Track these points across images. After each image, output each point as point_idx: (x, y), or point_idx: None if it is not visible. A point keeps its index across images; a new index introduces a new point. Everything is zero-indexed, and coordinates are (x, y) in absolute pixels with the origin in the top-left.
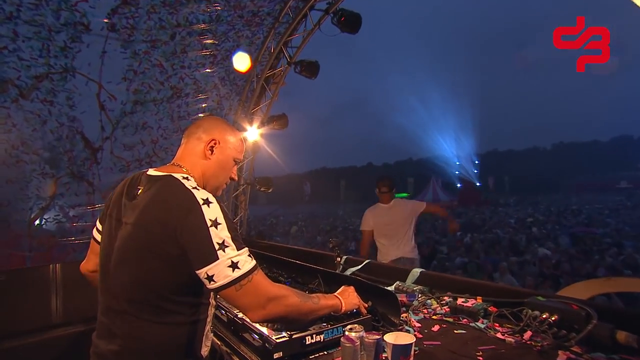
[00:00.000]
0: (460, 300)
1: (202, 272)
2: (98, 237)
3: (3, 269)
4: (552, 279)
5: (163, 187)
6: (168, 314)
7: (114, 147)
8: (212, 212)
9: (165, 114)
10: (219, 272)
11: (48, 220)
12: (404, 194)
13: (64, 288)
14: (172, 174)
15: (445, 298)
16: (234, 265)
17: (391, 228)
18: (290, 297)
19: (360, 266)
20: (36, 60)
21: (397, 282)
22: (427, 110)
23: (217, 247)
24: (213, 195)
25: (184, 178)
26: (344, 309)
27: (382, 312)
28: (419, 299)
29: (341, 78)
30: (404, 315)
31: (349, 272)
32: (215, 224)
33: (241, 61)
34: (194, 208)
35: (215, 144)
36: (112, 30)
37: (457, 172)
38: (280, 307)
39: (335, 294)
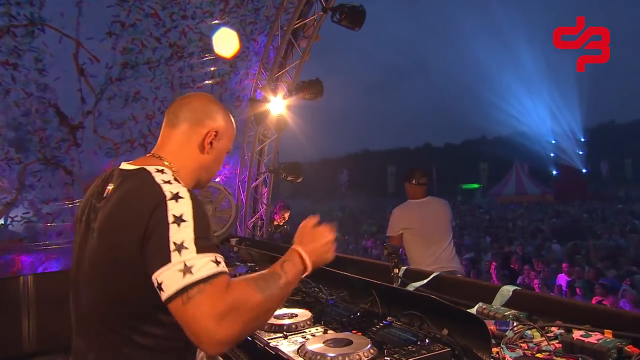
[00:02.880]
0: (578, 334)
1: (154, 279)
2: None
3: None
4: None
5: (132, 184)
6: (151, 338)
7: (98, 125)
8: (179, 207)
9: (163, 81)
10: (168, 277)
11: (15, 219)
12: (475, 185)
13: (37, 307)
14: (145, 167)
15: (554, 329)
16: (187, 270)
17: (426, 230)
18: (251, 299)
19: (425, 280)
20: None
21: (480, 304)
22: (510, 72)
23: (172, 247)
24: (189, 190)
25: (157, 171)
26: (309, 269)
27: (464, 344)
28: (515, 328)
29: (394, 32)
30: (494, 350)
31: (411, 288)
32: (179, 220)
33: (224, 41)
34: (159, 204)
35: (216, 135)
36: None
37: (552, 155)
38: (238, 323)
39: (294, 247)
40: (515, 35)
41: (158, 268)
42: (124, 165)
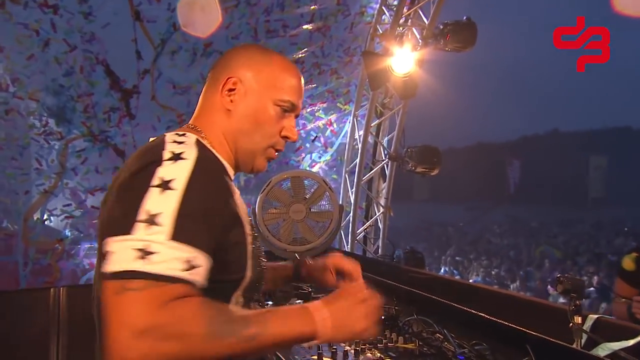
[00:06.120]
0: None
1: (105, 243)
2: None
3: None
4: None
5: (138, 151)
6: None
7: (158, 89)
8: (173, 169)
9: (243, 27)
10: (118, 251)
11: (53, 212)
12: None
13: (70, 328)
14: (165, 134)
15: None
16: (144, 253)
17: None
18: (192, 333)
19: (633, 341)
20: None
21: None
22: None
23: (142, 216)
24: (204, 155)
25: (175, 134)
26: (321, 336)
27: None
28: None
29: None
30: None
31: (603, 351)
32: (165, 185)
33: (196, 13)
34: (151, 164)
35: (235, 83)
36: None
37: None
38: (155, 351)
39: (307, 303)
40: None
41: (114, 234)
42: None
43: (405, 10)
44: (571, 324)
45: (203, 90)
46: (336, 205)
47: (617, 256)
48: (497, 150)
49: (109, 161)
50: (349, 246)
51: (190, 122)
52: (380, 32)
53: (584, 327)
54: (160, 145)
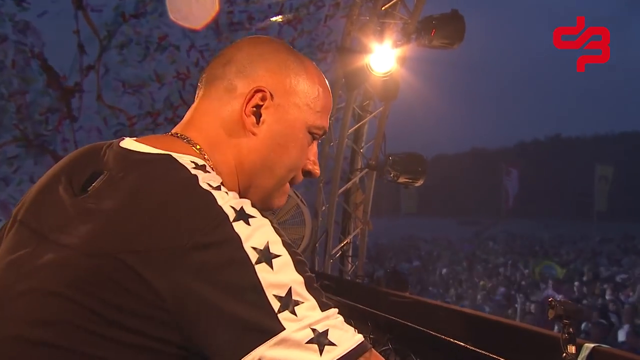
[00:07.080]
0: None
1: None
2: None
3: None
4: None
5: (152, 179)
6: None
7: (104, 87)
8: (258, 233)
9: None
10: (289, 357)
11: None
12: None
13: None
14: (172, 154)
15: None
16: (321, 339)
17: None
18: None
19: None
20: None
21: None
22: None
23: (276, 304)
24: (254, 207)
25: (195, 167)
26: None
27: None
28: None
29: None
30: None
31: None
32: (268, 256)
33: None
34: (218, 226)
35: (264, 99)
36: None
37: None
38: None
39: None
40: None
41: (260, 342)
42: (129, 144)
43: (385, 1)
44: (564, 354)
45: (201, 93)
46: (309, 220)
47: (626, 276)
48: (492, 157)
49: (47, 170)
50: (323, 265)
51: (179, 129)
52: (357, 26)
53: (579, 358)
54: (199, 193)
